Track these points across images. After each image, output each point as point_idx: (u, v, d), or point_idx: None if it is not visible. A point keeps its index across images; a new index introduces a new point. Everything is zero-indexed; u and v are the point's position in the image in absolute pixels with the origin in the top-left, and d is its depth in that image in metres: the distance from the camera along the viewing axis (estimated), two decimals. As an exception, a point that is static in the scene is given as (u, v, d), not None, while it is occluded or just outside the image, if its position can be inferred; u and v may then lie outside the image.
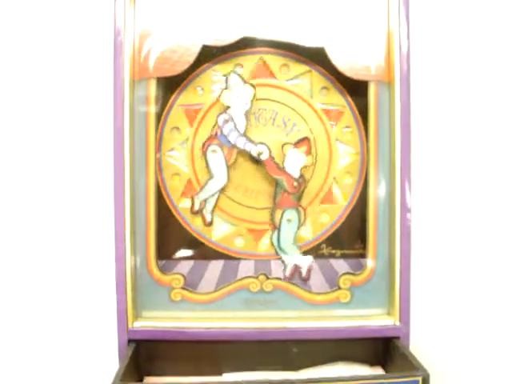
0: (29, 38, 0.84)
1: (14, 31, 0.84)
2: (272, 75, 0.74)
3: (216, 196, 0.74)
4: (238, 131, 0.72)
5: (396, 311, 0.73)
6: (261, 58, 0.74)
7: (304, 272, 0.75)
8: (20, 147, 0.84)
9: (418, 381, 0.62)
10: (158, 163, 0.74)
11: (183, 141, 0.75)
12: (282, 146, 0.72)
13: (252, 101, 0.72)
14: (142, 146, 0.72)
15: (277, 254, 0.74)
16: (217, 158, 0.73)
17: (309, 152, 0.73)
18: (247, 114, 0.73)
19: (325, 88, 0.75)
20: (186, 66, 0.71)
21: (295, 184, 0.73)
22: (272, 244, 0.75)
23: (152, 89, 0.71)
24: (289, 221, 0.75)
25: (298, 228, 0.75)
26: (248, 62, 0.74)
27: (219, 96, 0.72)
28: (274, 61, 0.74)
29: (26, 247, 0.85)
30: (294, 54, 0.74)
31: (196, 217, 0.75)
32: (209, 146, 0.73)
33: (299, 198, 0.74)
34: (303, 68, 0.75)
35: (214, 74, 0.74)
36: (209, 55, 0.73)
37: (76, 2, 0.83)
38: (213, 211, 0.75)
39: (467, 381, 0.87)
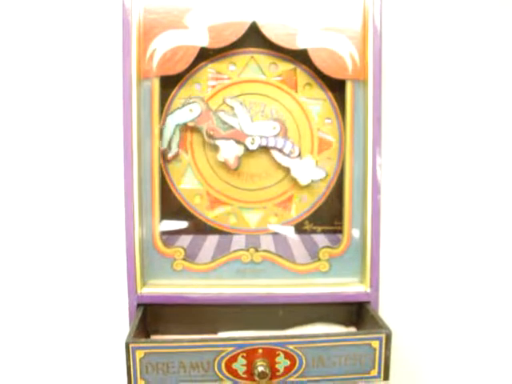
0: (49, 42, 0.88)
1: (30, 34, 0.88)
2: (261, 72, 0.80)
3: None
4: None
5: (367, 280, 0.78)
6: (252, 57, 0.79)
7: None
8: (36, 131, 0.89)
9: (381, 337, 0.69)
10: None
11: (183, 130, 0.80)
12: None
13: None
14: (148, 134, 0.77)
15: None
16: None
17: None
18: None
19: (308, 84, 0.80)
20: (186, 66, 0.76)
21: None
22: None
23: (156, 86, 0.76)
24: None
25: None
26: (240, 60, 0.79)
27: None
28: (264, 59, 0.79)
29: (46, 223, 0.90)
30: (281, 53, 0.79)
31: (197, 192, 0.81)
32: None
33: None
34: (289, 66, 0.80)
35: (210, 72, 0.79)
36: (205, 55, 0.78)
37: (88, 9, 0.88)
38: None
39: (425, 337, 0.94)
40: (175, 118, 0.79)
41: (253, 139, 0.79)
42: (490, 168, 0.93)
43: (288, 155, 0.79)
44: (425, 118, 0.92)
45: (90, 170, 0.90)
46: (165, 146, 0.79)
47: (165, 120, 0.79)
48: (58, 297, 0.91)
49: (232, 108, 0.79)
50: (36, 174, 0.90)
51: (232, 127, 0.79)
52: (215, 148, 0.80)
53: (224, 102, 0.80)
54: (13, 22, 0.88)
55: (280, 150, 0.79)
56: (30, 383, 0.92)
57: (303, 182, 0.80)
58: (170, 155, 0.79)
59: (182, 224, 0.82)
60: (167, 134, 0.79)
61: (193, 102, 0.79)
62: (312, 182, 0.81)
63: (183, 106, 0.79)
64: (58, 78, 0.89)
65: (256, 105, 0.80)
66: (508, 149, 0.92)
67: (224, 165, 0.80)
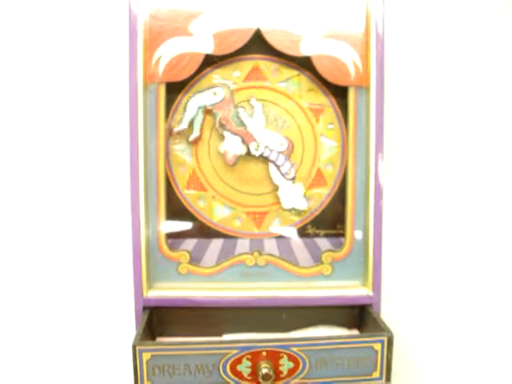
0: (58, 48, 0.90)
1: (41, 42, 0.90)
2: (265, 78, 0.81)
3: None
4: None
5: (369, 283, 0.80)
6: (256, 63, 0.81)
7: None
8: (44, 134, 0.91)
9: (383, 340, 0.70)
10: (167, 155, 0.80)
11: (188, 135, 0.81)
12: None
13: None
14: (153, 140, 0.78)
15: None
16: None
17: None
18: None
19: (311, 90, 0.81)
20: (191, 72, 0.78)
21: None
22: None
23: (161, 91, 0.78)
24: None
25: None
26: (244, 66, 0.80)
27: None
28: (268, 66, 0.81)
29: (53, 228, 0.92)
30: (285, 60, 0.80)
31: (201, 196, 0.82)
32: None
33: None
34: (293, 72, 0.81)
35: (215, 78, 0.80)
36: (210, 61, 0.79)
37: (95, 15, 0.90)
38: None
39: (426, 339, 0.95)
40: (199, 100, 0.80)
41: (257, 145, 0.80)
42: (490, 174, 0.94)
43: (283, 175, 0.81)
44: (427, 124, 0.93)
45: (96, 174, 0.91)
46: (185, 126, 0.80)
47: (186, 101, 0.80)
48: (65, 300, 0.93)
49: (252, 108, 0.81)
50: (44, 179, 0.91)
51: (244, 126, 0.81)
52: (221, 138, 0.81)
53: (248, 100, 0.81)
54: (21, 28, 0.89)
55: (278, 167, 0.81)
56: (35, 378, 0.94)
57: (285, 205, 0.82)
58: (191, 138, 0.81)
59: (187, 225, 0.83)
60: (189, 114, 0.80)
61: (219, 86, 0.80)
62: (293, 209, 0.82)
63: (208, 88, 0.80)
64: (66, 83, 0.90)
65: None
66: (509, 153, 0.94)
67: (227, 168, 0.82)
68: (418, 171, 0.93)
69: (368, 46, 0.78)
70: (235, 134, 0.80)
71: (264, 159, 0.81)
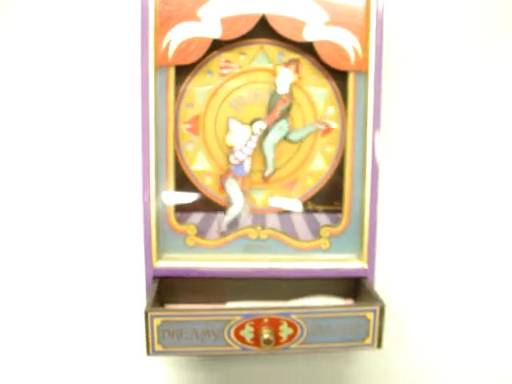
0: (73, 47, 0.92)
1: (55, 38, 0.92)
2: (269, 61, 0.84)
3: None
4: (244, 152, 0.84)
5: (364, 256, 0.84)
6: (261, 47, 0.83)
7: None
8: (60, 117, 0.93)
9: (376, 309, 0.75)
10: (176, 133, 0.84)
11: (196, 115, 0.84)
12: (275, 66, 0.83)
13: (250, 137, 0.84)
14: (163, 119, 0.82)
15: (262, 152, 0.85)
16: (234, 189, 0.85)
17: (296, 71, 0.84)
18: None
19: (313, 73, 0.84)
20: (199, 56, 0.81)
21: (284, 97, 0.84)
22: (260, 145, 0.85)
23: (171, 74, 0.81)
24: (280, 128, 0.84)
25: (286, 134, 0.85)
26: (250, 50, 0.83)
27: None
28: (272, 50, 0.83)
29: (64, 200, 0.94)
30: (289, 44, 0.83)
31: (208, 173, 0.85)
32: (225, 180, 0.85)
33: (288, 109, 0.84)
34: (296, 56, 0.83)
35: (221, 60, 0.83)
36: (217, 45, 0.82)
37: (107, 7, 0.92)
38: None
39: (416, 310, 0.98)
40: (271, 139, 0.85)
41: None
42: (486, 156, 0.96)
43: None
44: (423, 105, 0.95)
45: (109, 152, 0.94)
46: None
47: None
48: (81, 272, 0.96)
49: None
50: (65, 155, 0.94)
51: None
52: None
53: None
54: (34, 12, 0.92)
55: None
56: (51, 355, 0.98)
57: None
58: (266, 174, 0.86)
59: (194, 198, 0.86)
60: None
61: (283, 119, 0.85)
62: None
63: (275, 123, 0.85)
64: (80, 68, 0.93)
65: (264, 92, 0.84)
66: (504, 143, 0.96)
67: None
68: (414, 152, 0.96)
69: (368, 32, 0.81)
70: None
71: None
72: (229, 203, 0.86)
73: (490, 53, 0.95)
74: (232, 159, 0.84)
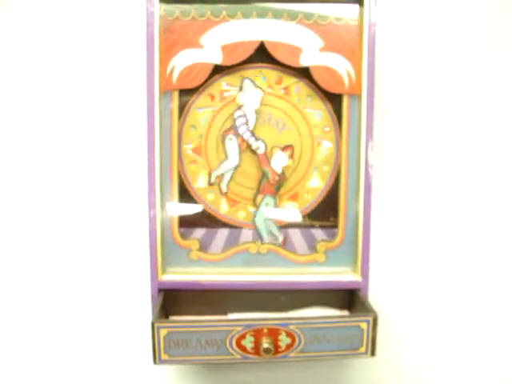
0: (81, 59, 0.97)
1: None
2: (268, 85, 0.87)
3: (230, 173, 0.88)
4: (247, 126, 0.86)
5: (359, 270, 0.86)
6: (260, 71, 0.87)
7: (280, 240, 0.89)
8: (71, 136, 0.97)
9: (369, 320, 0.78)
10: (179, 153, 0.87)
11: (198, 136, 0.88)
12: (272, 148, 0.87)
13: (260, 101, 0.87)
14: (167, 140, 0.85)
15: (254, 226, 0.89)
16: (232, 145, 0.87)
17: (291, 156, 0.87)
18: (256, 112, 0.87)
19: (309, 96, 0.88)
20: (202, 81, 0.85)
21: (276, 178, 0.87)
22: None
23: (175, 97, 0.85)
24: (266, 204, 0.88)
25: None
26: (249, 74, 0.87)
27: (235, 97, 0.86)
28: (270, 74, 0.87)
29: (74, 212, 0.98)
30: (286, 69, 0.86)
31: (210, 190, 0.88)
32: (227, 135, 0.87)
33: (278, 189, 0.88)
34: (293, 80, 0.87)
35: (223, 84, 0.87)
36: (218, 70, 0.86)
37: (115, 29, 0.97)
38: (227, 184, 0.88)
39: (408, 320, 1.01)
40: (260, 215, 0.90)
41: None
42: (476, 168, 0.99)
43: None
44: (414, 126, 0.99)
45: (116, 171, 0.97)
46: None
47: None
48: (89, 283, 0.99)
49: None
50: (67, 169, 0.97)
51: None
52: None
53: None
54: (42, 35, 0.96)
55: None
56: (61, 364, 1.00)
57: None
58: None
59: (197, 219, 0.89)
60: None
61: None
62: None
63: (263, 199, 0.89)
64: (91, 89, 0.97)
65: (263, 114, 0.88)
66: (497, 145, 1.00)
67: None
68: (406, 170, 0.99)
69: (361, 58, 0.84)
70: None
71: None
72: (229, 220, 0.90)
73: (479, 77, 0.99)
74: (236, 115, 0.87)
